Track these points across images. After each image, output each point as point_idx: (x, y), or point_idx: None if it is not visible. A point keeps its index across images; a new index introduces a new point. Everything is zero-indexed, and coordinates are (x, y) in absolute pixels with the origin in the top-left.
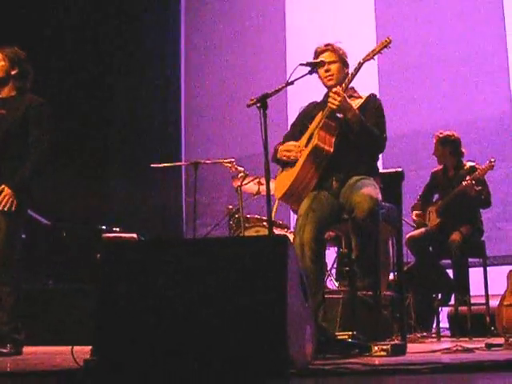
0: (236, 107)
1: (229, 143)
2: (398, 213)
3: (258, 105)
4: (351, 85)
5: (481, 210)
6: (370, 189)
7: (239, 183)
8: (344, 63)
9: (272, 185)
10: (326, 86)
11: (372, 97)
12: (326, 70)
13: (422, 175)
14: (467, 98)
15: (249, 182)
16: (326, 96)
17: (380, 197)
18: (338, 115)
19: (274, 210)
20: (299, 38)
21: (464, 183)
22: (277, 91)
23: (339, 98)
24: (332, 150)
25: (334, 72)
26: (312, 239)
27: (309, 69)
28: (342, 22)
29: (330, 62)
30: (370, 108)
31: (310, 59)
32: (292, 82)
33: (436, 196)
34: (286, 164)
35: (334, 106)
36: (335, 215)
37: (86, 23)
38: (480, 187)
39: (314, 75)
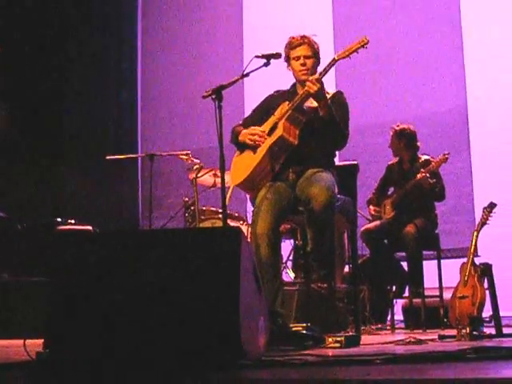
0: (192, 99)
1: (185, 135)
2: (353, 205)
3: (213, 96)
4: None
5: (435, 203)
6: (327, 182)
7: (194, 175)
8: (318, 59)
9: (227, 177)
10: (298, 80)
11: (339, 93)
12: (302, 64)
13: (377, 168)
14: (423, 92)
15: (204, 174)
16: (293, 86)
17: (336, 190)
18: (305, 108)
19: (228, 197)
20: (256, 30)
21: (419, 176)
22: (232, 83)
23: (318, 85)
24: (296, 142)
25: (309, 67)
26: (268, 230)
27: (264, 61)
28: (299, 14)
29: (306, 57)
30: (337, 103)
31: (267, 51)
32: (247, 74)
33: (391, 189)
34: (245, 147)
35: (312, 91)
36: (291, 207)
37: (39, 9)
38: (434, 180)
39: (271, 67)
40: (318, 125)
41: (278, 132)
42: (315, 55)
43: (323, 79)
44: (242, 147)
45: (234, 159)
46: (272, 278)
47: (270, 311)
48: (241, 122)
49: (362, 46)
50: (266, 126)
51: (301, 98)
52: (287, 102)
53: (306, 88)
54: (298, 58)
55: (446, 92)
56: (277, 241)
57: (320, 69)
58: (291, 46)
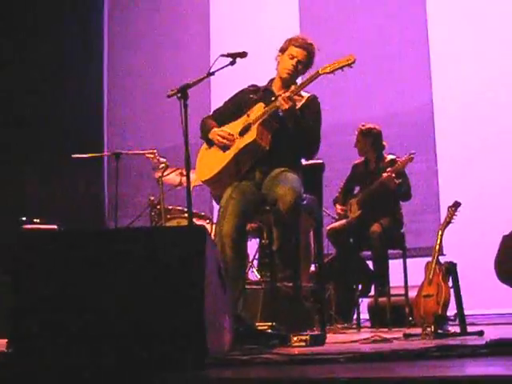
0: (159, 97)
1: (151, 134)
2: (319, 204)
3: (179, 95)
4: None
5: (401, 203)
6: (293, 182)
7: (160, 174)
8: (307, 69)
9: (193, 176)
10: (279, 74)
11: (313, 98)
12: (293, 65)
13: (343, 167)
14: (389, 92)
15: (170, 173)
16: (269, 84)
17: (302, 190)
18: (281, 114)
19: (192, 185)
20: (223, 29)
21: (384, 176)
22: (197, 82)
23: (290, 103)
24: (268, 147)
25: (296, 71)
26: (233, 229)
27: (230, 59)
28: (266, 13)
29: (300, 62)
30: (310, 110)
31: (233, 50)
32: (213, 73)
33: (357, 188)
34: (214, 144)
35: (283, 108)
36: (257, 206)
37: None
38: (400, 180)
39: (237, 66)
40: (290, 133)
41: (251, 135)
42: (307, 65)
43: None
44: (211, 144)
45: (201, 152)
46: (235, 279)
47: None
48: (211, 114)
49: (348, 65)
50: (238, 125)
51: (277, 105)
52: (263, 105)
53: (277, 103)
54: (293, 57)
55: (411, 92)
56: (242, 241)
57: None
58: (295, 43)
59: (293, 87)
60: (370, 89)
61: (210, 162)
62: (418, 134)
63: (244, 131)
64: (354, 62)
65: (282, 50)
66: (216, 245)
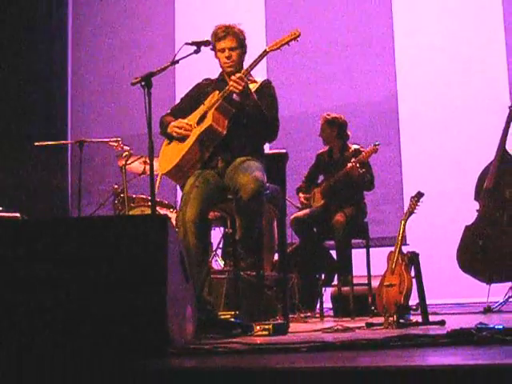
0: (123, 86)
1: (115, 122)
2: (282, 194)
3: (143, 83)
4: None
5: (364, 192)
6: (256, 170)
7: (124, 162)
8: (244, 48)
9: (156, 164)
10: (225, 72)
11: (266, 82)
12: (227, 57)
13: (306, 156)
14: (354, 82)
15: (133, 162)
16: (221, 75)
17: (265, 178)
18: (236, 98)
19: (157, 185)
20: (188, 17)
21: (348, 165)
22: (161, 70)
23: (243, 84)
24: (225, 132)
25: (235, 58)
26: (196, 217)
27: (195, 48)
28: (231, 2)
29: (231, 49)
30: (265, 94)
31: (199, 38)
32: (177, 61)
33: (321, 177)
34: (174, 138)
35: (237, 91)
36: (220, 195)
37: None
38: (364, 170)
39: (202, 54)
40: (247, 115)
41: (207, 122)
42: (241, 45)
43: (256, 68)
44: (171, 138)
45: (163, 148)
46: (200, 266)
47: (198, 299)
48: (169, 111)
49: (294, 39)
50: (195, 115)
51: (230, 89)
52: (217, 92)
53: (229, 87)
54: (224, 51)
55: (376, 83)
56: (205, 229)
57: (250, 59)
58: (216, 37)
59: (243, 70)
60: (336, 79)
61: (170, 155)
62: (383, 124)
63: (201, 120)
64: (299, 36)
65: (213, 49)
66: (178, 232)
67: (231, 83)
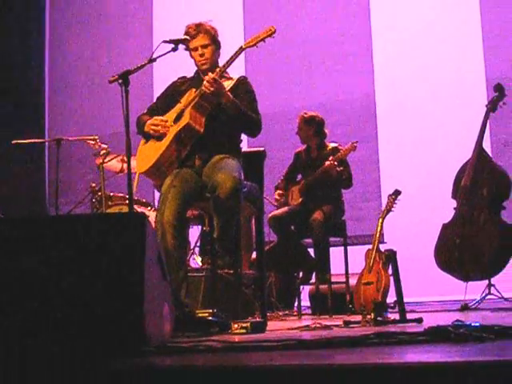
0: (101, 84)
1: (93, 120)
2: (260, 192)
3: (120, 81)
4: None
5: (342, 190)
6: (233, 168)
7: (101, 160)
8: (217, 44)
9: (134, 163)
10: (200, 70)
11: (242, 79)
12: (201, 55)
13: (284, 155)
14: (332, 80)
15: (111, 160)
16: (197, 73)
17: (242, 176)
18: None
19: (135, 184)
20: (166, 15)
21: (326, 164)
22: (139, 68)
23: (215, 85)
24: (202, 130)
25: (208, 56)
26: (173, 216)
27: (172, 46)
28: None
29: (204, 46)
30: (242, 91)
31: (176, 36)
32: (155, 59)
33: (299, 176)
34: (150, 137)
35: (209, 92)
36: (197, 193)
37: None
38: (342, 168)
39: (180, 52)
40: (226, 113)
41: (185, 120)
42: (213, 42)
43: (234, 67)
44: (148, 138)
45: (139, 148)
46: (177, 266)
47: (175, 300)
48: (145, 111)
49: (269, 36)
50: (172, 114)
51: (203, 89)
52: (194, 90)
53: (202, 88)
54: (196, 49)
55: (354, 81)
56: (183, 228)
57: (228, 57)
58: (188, 36)
59: (217, 69)
60: (313, 77)
61: (147, 154)
62: (360, 122)
63: (178, 118)
64: (274, 33)
65: (187, 49)
66: (156, 233)
67: (204, 83)
